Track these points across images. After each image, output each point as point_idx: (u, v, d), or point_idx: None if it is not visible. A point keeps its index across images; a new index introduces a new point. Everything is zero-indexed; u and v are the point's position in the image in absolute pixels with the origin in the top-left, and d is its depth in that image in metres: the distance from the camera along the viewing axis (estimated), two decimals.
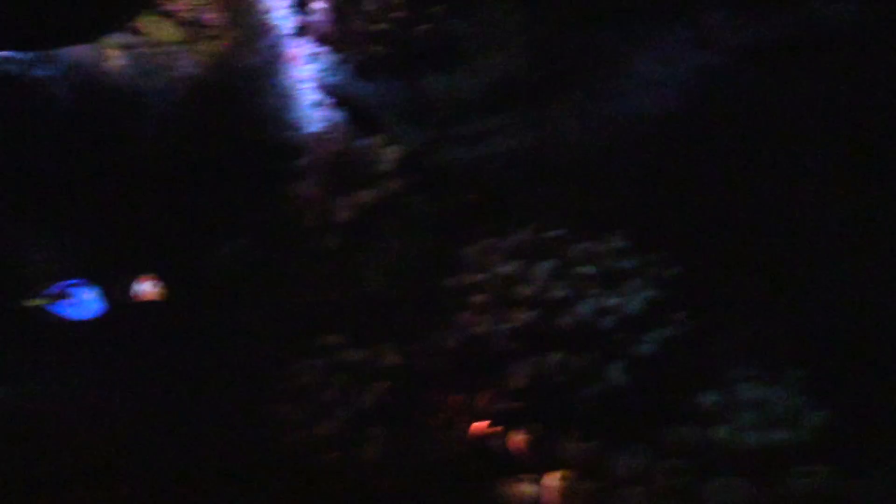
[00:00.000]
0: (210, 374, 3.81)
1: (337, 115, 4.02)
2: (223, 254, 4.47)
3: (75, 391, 4.02)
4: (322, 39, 4.05)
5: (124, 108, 4.34)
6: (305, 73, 4.08)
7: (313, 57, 4.06)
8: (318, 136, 3.68)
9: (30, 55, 4.38)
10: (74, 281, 3.55)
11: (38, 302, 3.55)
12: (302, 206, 3.70)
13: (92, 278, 4.73)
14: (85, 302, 3.52)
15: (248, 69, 4.11)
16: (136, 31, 4.30)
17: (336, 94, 3.95)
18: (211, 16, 4.22)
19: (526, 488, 3.22)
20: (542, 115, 3.50)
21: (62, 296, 3.56)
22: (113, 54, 4.36)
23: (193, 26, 4.24)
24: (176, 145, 4.30)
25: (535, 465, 3.26)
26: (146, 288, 3.51)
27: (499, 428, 3.33)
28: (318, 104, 4.04)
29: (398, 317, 3.52)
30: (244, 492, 3.51)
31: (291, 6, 4.21)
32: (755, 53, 3.54)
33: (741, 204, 3.43)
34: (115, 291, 4.53)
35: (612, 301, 3.25)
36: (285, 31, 4.21)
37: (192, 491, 3.59)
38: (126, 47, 4.32)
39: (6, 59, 4.40)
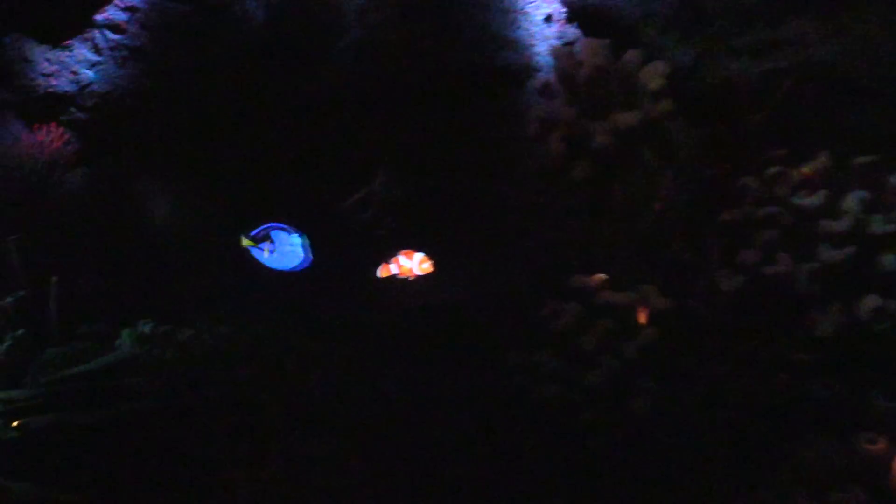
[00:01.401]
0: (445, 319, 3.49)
1: (574, 31, 3.57)
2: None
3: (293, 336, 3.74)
4: None
5: (320, 29, 3.97)
6: None
7: None
8: (563, 54, 3.23)
9: None
10: (279, 225, 3.13)
11: (247, 242, 3.17)
12: (541, 134, 3.28)
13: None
14: (289, 250, 3.10)
15: None
16: None
17: (578, 4, 3.50)
18: None
19: (830, 452, 2.81)
20: (843, 22, 3.01)
21: (263, 239, 3.16)
22: None
23: None
24: (376, 71, 3.92)
25: (840, 425, 2.85)
26: (414, 263, 3.11)
27: (794, 382, 2.92)
28: (552, 18, 3.60)
29: (665, 255, 3.11)
30: (493, 449, 3.18)
31: None
32: None
33: None
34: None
35: None
36: None
37: (427, 450, 3.27)
38: None
39: None
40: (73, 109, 4.50)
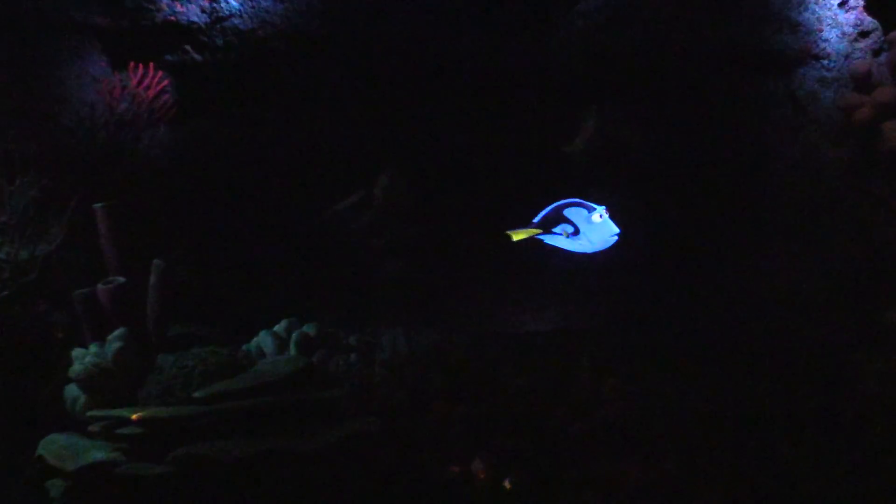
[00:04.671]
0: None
1: (871, 21, 3.33)
2: None
3: None
4: None
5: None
6: None
7: None
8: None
9: None
10: (573, 201, 2.52)
11: (523, 233, 2.50)
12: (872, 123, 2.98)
13: None
14: (595, 228, 2.47)
15: None
16: None
17: None
18: None
19: None
20: None
21: (556, 221, 2.50)
22: None
23: None
24: (623, 43, 3.42)
25: None
26: None
27: None
28: (847, 4, 3.34)
29: None
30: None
31: None
32: None
33: None
34: None
35: None
36: None
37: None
38: None
39: None
40: (188, 48, 3.50)
